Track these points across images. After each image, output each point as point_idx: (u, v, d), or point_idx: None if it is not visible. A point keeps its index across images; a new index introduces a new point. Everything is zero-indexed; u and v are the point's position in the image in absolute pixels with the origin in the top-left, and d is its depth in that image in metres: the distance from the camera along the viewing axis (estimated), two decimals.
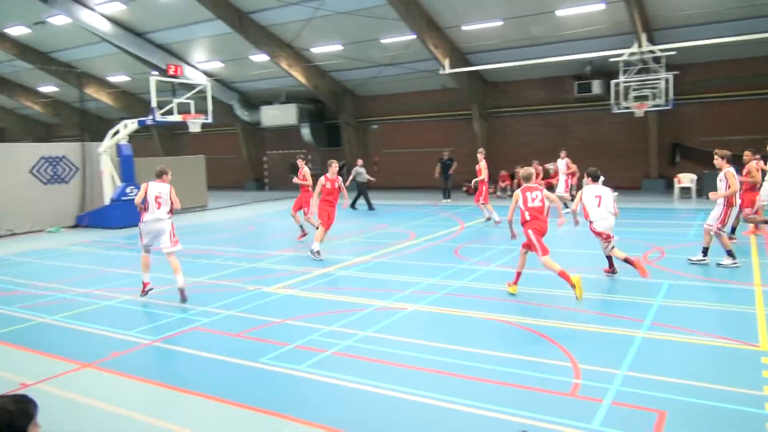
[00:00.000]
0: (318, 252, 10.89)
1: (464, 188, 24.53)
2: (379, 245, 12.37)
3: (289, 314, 7.38)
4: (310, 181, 13.55)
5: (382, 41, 22.73)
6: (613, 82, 20.02)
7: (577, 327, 6.55)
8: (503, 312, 7.18)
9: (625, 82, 19.53)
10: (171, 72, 17.05)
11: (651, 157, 22.42)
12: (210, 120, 17.36)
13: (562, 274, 7.39)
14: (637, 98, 19.45)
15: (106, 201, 17.19)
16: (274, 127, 30.18)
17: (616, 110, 20.12)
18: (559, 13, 19.29)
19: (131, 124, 17.25)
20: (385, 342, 6.21)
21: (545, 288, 8.34)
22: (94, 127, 35.48)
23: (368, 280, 9.25)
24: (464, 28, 21.15)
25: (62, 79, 30.74)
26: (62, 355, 6.10)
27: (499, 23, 20.43)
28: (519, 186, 8.39)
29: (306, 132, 28.67)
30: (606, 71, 21.57)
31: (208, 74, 27.99)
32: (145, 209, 8.29)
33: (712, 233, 9.11)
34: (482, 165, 15.12)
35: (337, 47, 23.79)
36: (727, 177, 8.76)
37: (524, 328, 6.56)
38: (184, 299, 8.07)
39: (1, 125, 42.29)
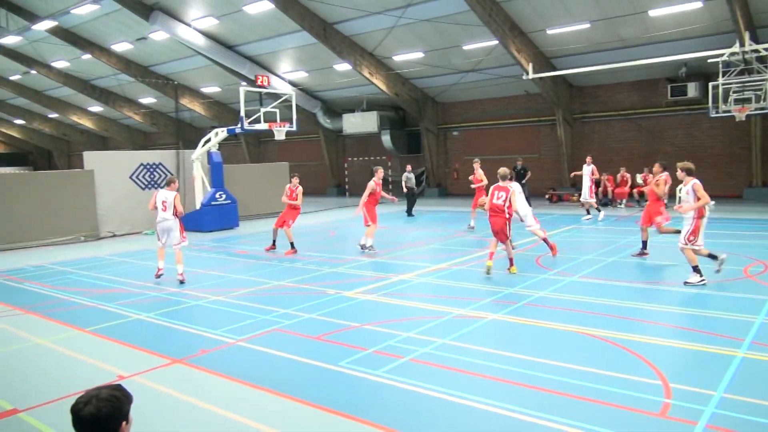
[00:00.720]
0: (372, 246, 12.35)
1: (546, 195, 23.91)
2: (458, 252, 12.28)
3: (368, 319, 7.47)
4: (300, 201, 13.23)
5: (464, 47, 22.62)
6: (711, 84, 18.83)
7: (667, 343, 6.20)
8: (587, 324, 6.91)
9: (724, 84, 18.31)
10: (259, 82, 17.74)
11: (754, 164, 20.91)
12: (294, 128, 17.89)
13: (491, 255, 9.74)
14: (738, 101, 18.16)
15: (197, 206, 18.11)
16: (356, 135, 30.72)
17: (714, 114, 18.89)
18: (652, 13, 18.43)
19: (221, 133, 18.11)
20: (463, 351, 6.15)
21: (631, 300, 7.96)
22: (187, 135, 37.65)
23: (447, 288, 9.21)
24: (549, 31, 20.66)
25: (160, 91, 32.81)
26: (156, 351, 6.48)
27: (586, 26, 19.80)
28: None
29: (386, 139, 28.97)
30: (703, 73, 20.38)
31: (293, 84, 28.95)
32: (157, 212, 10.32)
33: (685, 249, 8.91)
34: (479, 174, 16.27)
35: (419, 55, 23.92)
36: (695, 189, 8.66)
37: (609, 342, 6.29)
38: (181, 282, 9.97)
39: (106, 134, 45.73)
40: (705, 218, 8.82)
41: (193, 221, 17.87)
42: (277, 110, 18.17)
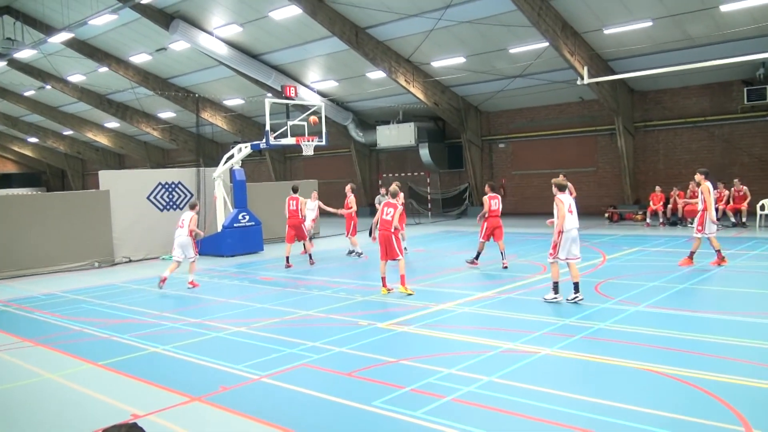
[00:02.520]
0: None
1: (606, 214, 23.53)
2: (505, 279, 12.14)
3: (405, 353, 7.42)
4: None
5: (510, 51, 22.62)
6: None
7: (749, 382, 5.97)
8: (655, 360, 6.71)
9: None
10: (286, 93, 18.07)
11: None
12: (324, 142, 18.11)
13: (383, 279, 11.03)
14: None
15: (219, 228, 18.42)
16: (391, 148, 30.93)
17: None
18: (723, 8, 18.10)
19: (245, 149, 18.44)
20: (512, 390, 6.04)
21: (705, 333, 7.70)
22: (208, 151, 38.56)
23: (493, 319, 9.10)
24: (606, 31, 20.50)
25: (180, 104, 33.75)
26: (172, 387, 6.56)
27: (649, 24, 19.57)
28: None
29: (425, 153, 29.03)
30: None
31: (322, 94, 29.40)
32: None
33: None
34: (351, 200, 17.03)
35: (460, 60, 24.02)
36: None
37: (681, 381, 6.09)
38: (193, 287, 12.70)
39: (122, 152, 47.18)
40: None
41: (213, 245, 18.16)
42: (306, 123, 18.44)
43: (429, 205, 30.78)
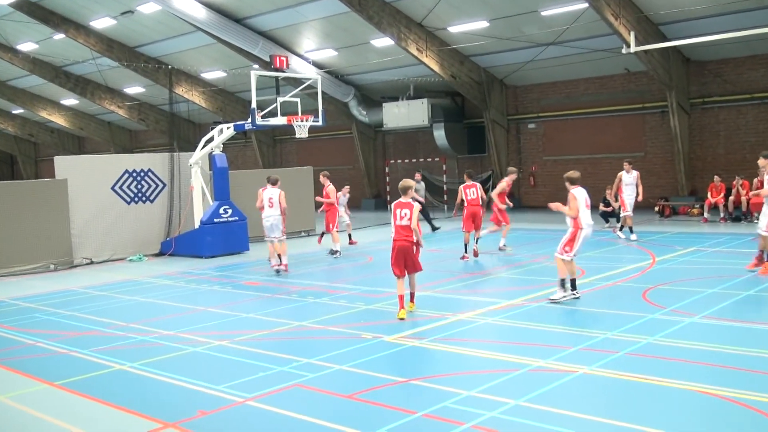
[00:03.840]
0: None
1: (656, 207, 23.49)
2: (536, 284, 12.15)
3: (416, 372, 7.45)
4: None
5: (542, 13, 22.57)
6: None
7: None
8: (712, 381, 6.71)
9: None
10: (276, 65, 18.03)
11: None
12: (321, 122, 18.12)
13: (401, 298, 10.12)
14: None
15: (196, 224, 18.47)
16: (400, 130, 30.94)
17: None
18: None
19: (227, 130, 18.47)
20: (543, 415, 6.06)
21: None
22: (183, 133, 38.66)
23: (521, 331, 9.11)
24: None
25: (150, 78, 33.85)
26: (142, 412, 6.60)
27: None
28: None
29: (440, 134, 29.02)
30: None
31: (318, 65, 29.42)
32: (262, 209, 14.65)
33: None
34: (329, 189, 17.53)
35: (482, 24, 23.99)
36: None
37: (743, 405, 6.09)
38: (281, 271, 14.52)
39: (82, 134, 47.39)
40: None
41: (190, 244, 18.26)
42: (299, 100, 18.44)
43: (445, 196, 30.78)
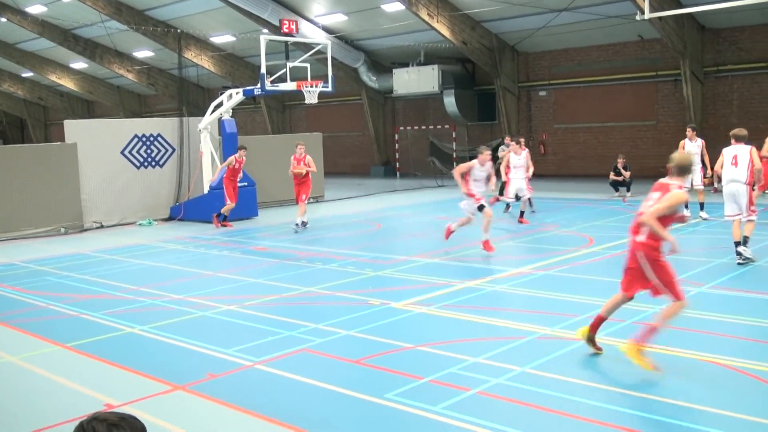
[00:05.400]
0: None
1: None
2: (544, 252, 12.15)
3: (424, 339, 7.49)
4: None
5: None
6: None
7: None
8: (719, 351, 6.74)
9: None
10: (285, 29, 17.92)
11: None
12: (330, 88, 18.01)
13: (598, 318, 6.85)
14: None
15: (206, 189, 18.52)
16: (410, 96, 30.73)
17: None
18: None
19: (236, 95, 18.41)
20: (548, 382, 6.10)
21: None
22: (193, 98, 38.49)
23: (529, 299, 9.14)
24: None
25: (159, 42, 33.61)
26: (152, 374, 6.69)
27: None
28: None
29: (450, 101, 28.85)
30: None
31: (328, 30, 29.14)
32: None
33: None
34: (308, 159, 16.08)
35: None
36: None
37: (751, 376, 6.11)
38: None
39: (91, 97, 47.26)
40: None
41: (199, 209, 18.27)
42: (308, 65, 18.32)
43: (454, 164, 30.66)
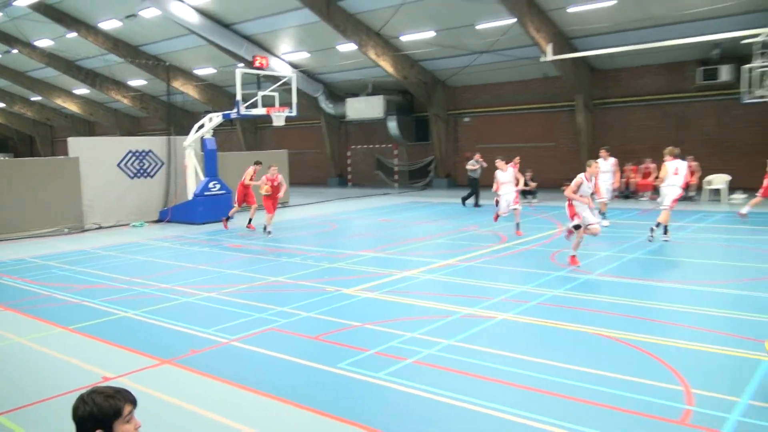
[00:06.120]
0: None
1: (562, 187, 23.82)
2: (467, 248, 12.30)
3: (370, 318, 7.51)
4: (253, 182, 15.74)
5: (477, 27, 22.53)
6: (745, 67, 18.69)
7: (691, 346, 6.21)
8: (605, 325, 6.93)
9: (761, 66, 18.16)
10: (257, 64, 17.74)
11: None
12: (294, 113, 17.90)
13: None
14: None
15: (189, 196, 18.19)
16: (359, 121, 30.74)
17: (747, 100, 18.77)
18: None
19: (216, 118, 18.13)
20: (470, 352, 6.18)
21: (653, 300, 7.96)
22: (179, 120, 37.74)
23: (454, 285, 9.24)
24: (570, 10, 20.54)
25: (151, 73, 32.87)
26: (143, 351, 6.54)
27: (611, 3, 19.63)
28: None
29: (393, 125, 28.95)
30: (736, 55, 20.20)
31: (293, 65, 28.95)
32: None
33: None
34: (280, 178, 15.01)
35: (429, 34, 23.84)
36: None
37: (628, 345, 6.30)
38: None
39: (92, 119, 45.89)
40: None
41: (184, 212, 17.98)
42: (276, 94, 18.18)
43: (396, 176, 30.83)
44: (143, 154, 18.67)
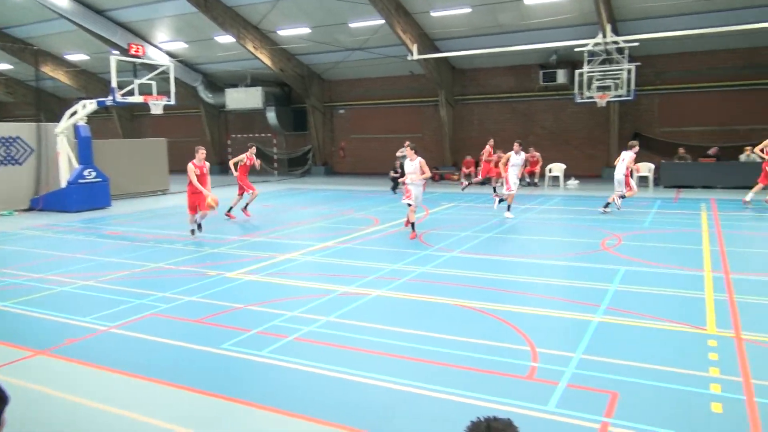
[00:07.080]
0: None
1: (435, 178, 24.65)
2: (343, 231, 12.35)
3: (251, 300, 7.33)
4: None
5: (351, 25, 22.54)
6: (577, 71, 20.30)
7: (537, 312, 6.69)
8: (465, 297, 7.27)
9: (588, 72, 19.83)
10: (133, 52, 16.57)
11: (612, 147, 22.90)
12: (173, 102, 16.98)
13: None
14: (599, 88, 19.78)
15: (63, 184, 16.68)
16: (239, 110, 29.74)
17: (579, 100, 20.43)
18: (527, 1, 19.42)
19: (90, 105, 16.74)
20: (347, 327, 6.23)
21: (506, 273, 8.47)
22: (50, 106, 34.41)
23: (331, 266, 9.24)
24: (433, 14, 21.12)
25: (17, 57, 29.60)
26: (14, 342, 5.93)
27: (468, 10, 20.47)
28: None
29: (272, 116, 28.33)
30: (571, 61, 21.87)
31: (171, 55, 27.34)
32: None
33: None
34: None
35: (305, 30, 23.50)
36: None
37: (486, 314, 6.66)
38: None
39: None
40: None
41: (57, 200, 16.50)
42: (154, 82, 17.12)
43: (275, 164, 30.23)
44: (10, 140, 16.80)
